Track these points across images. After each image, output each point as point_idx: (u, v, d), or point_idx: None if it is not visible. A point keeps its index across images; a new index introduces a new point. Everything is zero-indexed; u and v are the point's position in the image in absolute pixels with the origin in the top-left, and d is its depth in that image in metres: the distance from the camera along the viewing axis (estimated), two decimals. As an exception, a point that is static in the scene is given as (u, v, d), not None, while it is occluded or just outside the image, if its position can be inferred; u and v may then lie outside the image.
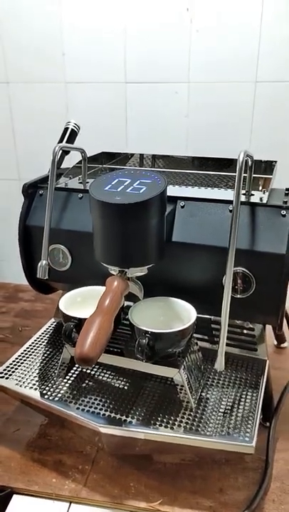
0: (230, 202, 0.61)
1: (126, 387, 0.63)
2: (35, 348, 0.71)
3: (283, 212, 0.59)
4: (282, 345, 0.86)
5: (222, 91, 1.24)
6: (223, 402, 0.60)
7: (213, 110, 1.28)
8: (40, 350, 0.71)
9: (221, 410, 0.58)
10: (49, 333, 0.75)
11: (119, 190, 0.53)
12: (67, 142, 0.79)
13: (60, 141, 0.79)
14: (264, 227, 0.59)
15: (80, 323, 0.57)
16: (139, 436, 0.56)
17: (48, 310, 1.00)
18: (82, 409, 0.58)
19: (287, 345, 0.86)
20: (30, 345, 0.72)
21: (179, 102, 1.27)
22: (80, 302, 0.64)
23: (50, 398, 0.60)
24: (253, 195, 0.63)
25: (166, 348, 0.56)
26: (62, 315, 0.60)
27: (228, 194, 0.66)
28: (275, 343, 0.86)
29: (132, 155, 0.90)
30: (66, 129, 0.80)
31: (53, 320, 0.79)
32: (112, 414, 0.58)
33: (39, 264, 0.62)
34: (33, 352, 0.70)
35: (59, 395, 0.61)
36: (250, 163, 0.62)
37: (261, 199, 0.61)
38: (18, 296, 1.08)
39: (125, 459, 0.63)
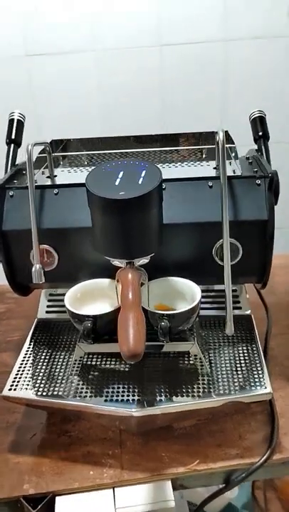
0: (207, 178, 0.64)
1: (130, 370, 0.65)
2: (32, 352, 0.70)
3: (258, 181, 0.64)
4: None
5: (130, 56, 1.23)
6: (231, 360, 0.66)
7: (123, 77, 1.27)
8: (38, 353, 0.70)
9: (232, 368, 0.64)
10: (38, 334, 0.74)
11: (117, 184, 0.54)
12: (16, 134, 0.75)
13: (9, 134, 0.75)
14: (243, 197, 0.64)
15: (95, 320, 0.58)
16: (170, 411, 0.60)
17: (11, 310, 0.97)
18: (111, 400, 0.60)
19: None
20: (26, 352, 0.70)
21: (89, 73, 1.24)
22: (80, 298, 0.64)
23: (77, 397, 0.61)
24: (223, 168, 0.68)
25: (179, 326, 0.60)
26: (71, 314, 0.60)
27: (200, 170, 0.69)
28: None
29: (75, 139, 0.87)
30: (12, 120, 0.76)
31: (36, 321, 0.77)
32: (140, 398, 0.60)
33: (33, 269, 0.61)
34: (33, 357, 0.69)
35: (83, 392, 0.62)
36: (217, 138, 0.65)
37: (234, 171, 0.66)
38: (-26, 302, 1.02)
39: (148, 434, 0.66)
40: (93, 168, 0.57)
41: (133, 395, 0.61)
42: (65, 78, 1.22)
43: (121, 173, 0.55)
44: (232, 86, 1.26)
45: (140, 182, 0.54)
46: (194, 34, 1.22)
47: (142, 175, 0.55)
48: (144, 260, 0.58)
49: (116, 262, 0.58)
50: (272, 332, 0.84)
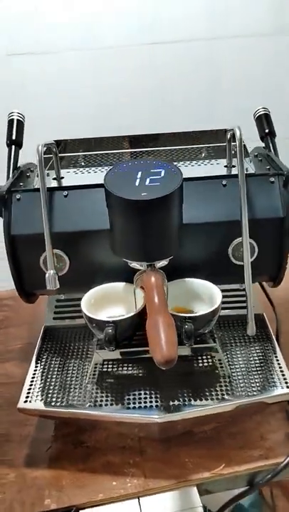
0: (222, 177, 0.63)
1: (147, 375, 0.64)
2: (42, 362, 0.67)
3: (272, 179, 0.63)
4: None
5: (126, 54, 1.20)
6: (249, 360, 0.65)
7: (118, 76, 1.23)
8: (50, 362, 0.67)
9: (251, 368, 0.63)
10: (47, 342, 0.71)
11: (138, 185, 0.52)
12: (17, 135, 0.72)
13: (9, 135, 0.72)
14: (258, 195, 0.63)
15: (116, 326, 0.56)
16: (195, 415, 0.58)
17: (9, 318, 0.94)
18: (133, 407, 0.58)
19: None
20: (37, 361, 0.67)
21: (79, 72, 1.20)
22: (94, 303, 0.62)
23: (97, 405, 0.59)
24: (234, 166, 0.67)
25: (201, 329, 0.59)
26: (89, 320, 0.58)
27: (209, 168, 0.68)
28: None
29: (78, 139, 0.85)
30: (11, 120, 0.73)
31: (43, 328, 0.74)
32: (162, 403, 0.59)
33: (47, 275, 0.58)
34: (44, 366, 0.66)
35: (103, 400, 0.60)
36: (229, 136, 0.64)
37: (247, 169, 0.65)
38: None
39: (168, 440, 0.65)
40: (110, 168, 0.55)
41: (156, 401, 0.59)
42: (59, 78, 1.19)
43: (139, 173, 0.54)
44: (231, 84, 1.24)
45: (161, 183, 0.52)
46: (189, 32, 1.19)
47: (162, 175, 0.53)
48: (164, 262, 0.57)
49: (135, 265, 0.56)
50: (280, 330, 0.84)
